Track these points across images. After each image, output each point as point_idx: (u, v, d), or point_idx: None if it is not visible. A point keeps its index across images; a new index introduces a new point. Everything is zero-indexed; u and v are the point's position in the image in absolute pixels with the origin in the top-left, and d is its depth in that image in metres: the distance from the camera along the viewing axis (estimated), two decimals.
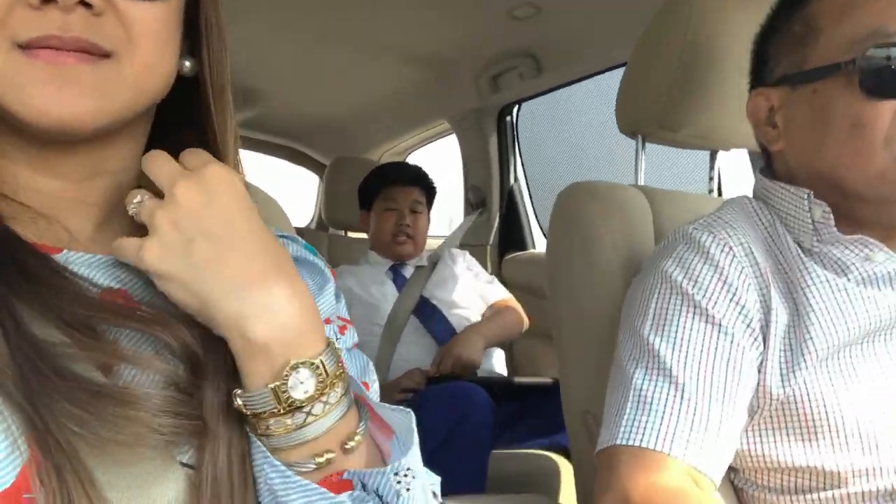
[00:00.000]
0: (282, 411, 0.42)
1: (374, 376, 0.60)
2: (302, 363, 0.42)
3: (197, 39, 0.49)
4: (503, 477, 1.45)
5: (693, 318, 0.70)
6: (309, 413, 0.42)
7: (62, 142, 0.44)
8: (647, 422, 0.65)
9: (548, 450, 1.56)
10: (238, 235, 0.43)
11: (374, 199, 2.03)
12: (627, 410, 0.67)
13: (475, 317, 1.92)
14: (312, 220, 3.19)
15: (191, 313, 0.43)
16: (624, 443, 0.65)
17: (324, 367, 0.43)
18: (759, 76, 0.80)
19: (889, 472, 0.65)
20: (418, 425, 1.60)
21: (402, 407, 0.51)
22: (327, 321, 0.57)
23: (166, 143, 0.50)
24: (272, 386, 0.41)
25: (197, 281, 0.41)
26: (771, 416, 0.69)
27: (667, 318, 0.71)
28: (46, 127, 0.41)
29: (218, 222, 0.42)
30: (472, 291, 1.99)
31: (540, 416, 1.62)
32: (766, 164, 0.83)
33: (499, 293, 2.02)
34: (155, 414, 0.39)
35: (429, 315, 1.85)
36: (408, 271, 1.99)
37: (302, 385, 0.42)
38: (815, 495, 0.67)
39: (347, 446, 0.44)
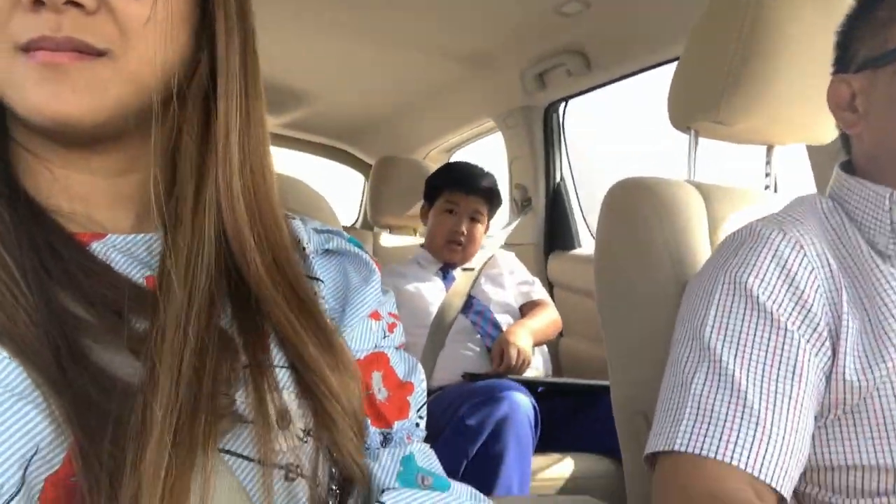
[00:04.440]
0: None
1: (422, 376, 0.60)
2: None
3: (208, 30, 0.48)
4: (550, 479, 1.43)
5: (758, 321, 0.67)
6: None
7: (90, 139, 0.45)
8: (707, 430, 0.62)
9: (597, 453, 1.52)
10: None
11: (437, 197, 2.02)
12: (686, 416, 0.64)
13: (518, 317, 1.90)
14: (357, 220, 3.21)
15: None
16: (682, 449, 0.62)
17: None
18: (841, 63, 0.79)
19: None
20: (459, 424, 1.58)
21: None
22: (375, 316, 0.57)
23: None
24: None
25: None
26: (842, 417, 0.66)
27: (730, 320, 0.68)
28: (41, 124, 0.42)
29: None
30: (516, 292, 1.98)
31: (589, 418, 1.59)
32: (847, 160, 0.80)
33: (539, 294, 2.00)
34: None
35: (477, 314, 1.84)
36: (457, 272, 1.99)
37: None
38: (883, 498, 0.63)
39: None
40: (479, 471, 1.34)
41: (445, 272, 1.99)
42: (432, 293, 1.88)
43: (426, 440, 1.67)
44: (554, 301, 2.26)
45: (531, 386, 1.56)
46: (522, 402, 1.39)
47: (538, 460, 1.44)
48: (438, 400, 1.62)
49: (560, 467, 1.46)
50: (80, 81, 0.41)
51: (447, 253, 1.97)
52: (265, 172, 0.51)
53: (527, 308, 1.95)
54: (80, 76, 0.41)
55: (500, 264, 2.03)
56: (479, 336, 1.79)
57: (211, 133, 0.48)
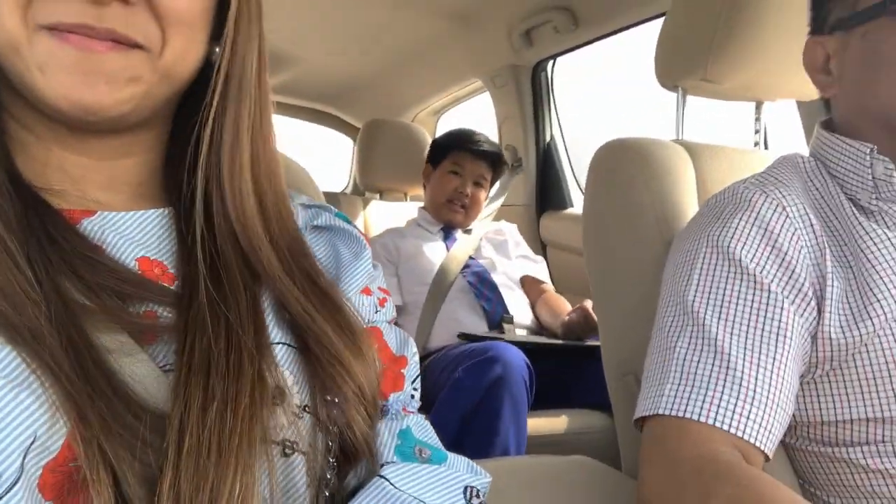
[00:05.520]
0: None
1: (414, 349, 0.60)
2: None
3: (221, 25, 0.48)
4: (545, 436, 1.46)
5: (741, 284, 0.67)
6: None
7: (104, 127, 0.44)
8: (691, 393, 0.63)
9: (590, 407, 1.55)
10: None
11: (443, 158, 2.03)
12: (671, 380, 0.65)
13: (517, 286, 1.93)
14: (348, 185, 3.19)
15: None
16: (667, 412, 0.63)
17: None
18: (816, 24, 0.78)
19: None
20: (456, 385, 1.59)
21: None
22: (367, 291, 0.57)
23: (186, 129, 0.50)
24: None
25: None
26: (829, 373, 0.67)
27: (713, 283, 0.68)
28: (66, 111, 0.41)
29: None
30: (518, 263, 2.00)
31: (582, 375, 1.61)
32: (828, 118, 0.80)
33: (544, 275, 2.02)
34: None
35: (475, 275, 1.86)
36: (458, 233, 2.01)
37: None
38: (871, 447, 0.65)
39: None
40: (477, 430, 1.37)
41: (447, 233, 2.01)
42: (434, 252, 1.90)
43: (424, 402, 1.69)
44: (547, 260, 2.28)
45: (524, 346, 1.58)
46: (516, 362, 1.41)
47: (533, 419, 1.46)
48: (436, 362, 1.64)
49: (555, 425, 1.49)
50: (115, 72, 0.41)
51: (448, 213, 1.99)
52: (272, 160, 0.52)
53: (529, 282, 1.97)
54: (115, 66, 0.41)
55: (505, 233, 2.06)
56: (474, 296, 1.81)
57: (225, 121, 0.48)
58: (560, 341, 1.67)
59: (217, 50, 0.48)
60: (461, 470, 0.53)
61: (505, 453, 1.35)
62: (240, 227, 0.48)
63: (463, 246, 1.92)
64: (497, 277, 1.88)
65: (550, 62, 2.30)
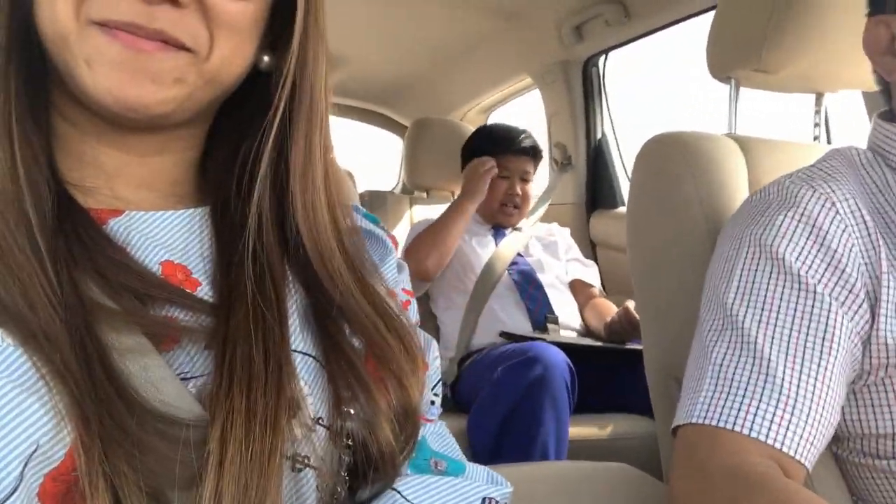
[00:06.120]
0: None
1: (436, 353, 0.59)
2: None
3: (281, 35, 0.47)
4: (587, 441, 1.42)
5: (784, 285, 0.63)
6: None
7: (144, 125, 0.44)
8: (726, 401, 0.59)
9: (635, 413, 1.50)
10: None
11: None
12: (706, 387, 0.61)
13: (565, 288, 1.90)
14: (397, 184, 3.20)
15: None
16: (701, 422, 0.60)
17: None
18: (878, 3, 0.72)
19: None
20: (495, 387, 1.57)
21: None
22: (391, 293, 0.55)
23: (230, 131, 0.50)
24: None
25: None
26: (885, 380, 0.62)
27: (754, 285, 0.64)
28: (110, 106, 0.41)
29: None
30: (568, 266, 1.97)
31: (627, 379, 1.56)
32: (887, 108, 0.74)
33: (595, 280, 1.98)
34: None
35: (520, 273, 1.84)
36: (508, 230, 2.00)
37: None
38: None
39: None
40: (516, 432, 1.35)
41: (497, 230, 2.00)
42: (482, 246, 1.90)
43: (465, 402, 1.66)
44: (597, 260, 2.23)
45: (568, 348, 1.54)
46: (557, 363, 1.38)
47: (576, 423, 1.42)
48: (477, 362, 1.63)
49: (597, 430, 1.45)
50: (161, 71, 0.41)
51: (503, 217, 1.97)
52: (337, 172, 0.52)
53: (578, 286, 1.93)
54: (162, 66, 0.41)
55: (556, 234, 2.04)
56: (519, 295, 1.79)
57: (296, 136, 0.48)
58: (602, 343, 1.62)
59: (266, 59, 0.48)
60: (479, 481, 0.51)
61: (544, 457, 1.32)
62: (311, 242, 0.47)
63: (511, 243, 1.90)
64: (544, 277, 1.85)
65: (602, 57, 2.24)
